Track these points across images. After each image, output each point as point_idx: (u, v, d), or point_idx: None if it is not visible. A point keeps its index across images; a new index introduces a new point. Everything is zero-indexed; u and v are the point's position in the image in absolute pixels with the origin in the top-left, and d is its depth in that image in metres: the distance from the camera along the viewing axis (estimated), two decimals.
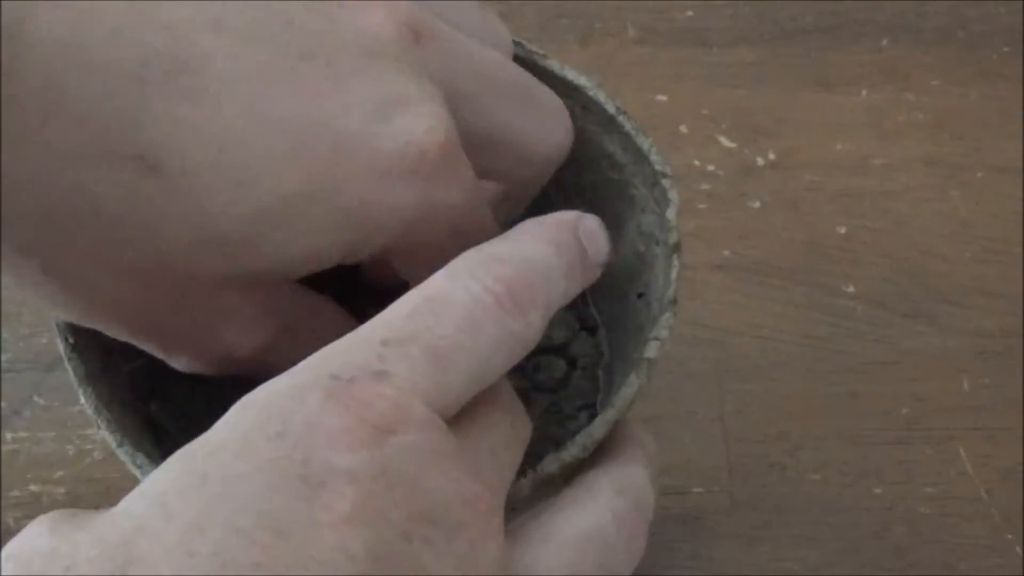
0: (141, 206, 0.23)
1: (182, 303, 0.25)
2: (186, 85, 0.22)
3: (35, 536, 0.20)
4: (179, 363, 0.27)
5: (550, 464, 0.26)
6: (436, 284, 0.23)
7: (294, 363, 0.28)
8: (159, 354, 0.27)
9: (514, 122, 0.28)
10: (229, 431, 0.20)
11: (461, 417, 0.23)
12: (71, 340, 0.28)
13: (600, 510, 0.24)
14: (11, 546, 0.20)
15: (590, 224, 0.26)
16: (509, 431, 0.24)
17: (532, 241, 0.25)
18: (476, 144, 0.27)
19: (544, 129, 0.29)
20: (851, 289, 0.47)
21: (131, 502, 0.20)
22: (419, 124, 0.24)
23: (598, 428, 0.26)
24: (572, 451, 0.26)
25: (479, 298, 0.23)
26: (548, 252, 0.25)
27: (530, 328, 0.23)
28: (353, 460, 0.20)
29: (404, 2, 0.25)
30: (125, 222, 0.23)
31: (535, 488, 0.25)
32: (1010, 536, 0.42)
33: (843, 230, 0.49)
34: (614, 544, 0.24)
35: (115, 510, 0.20)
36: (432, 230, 0.25)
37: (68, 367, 0.28)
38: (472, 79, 0.27)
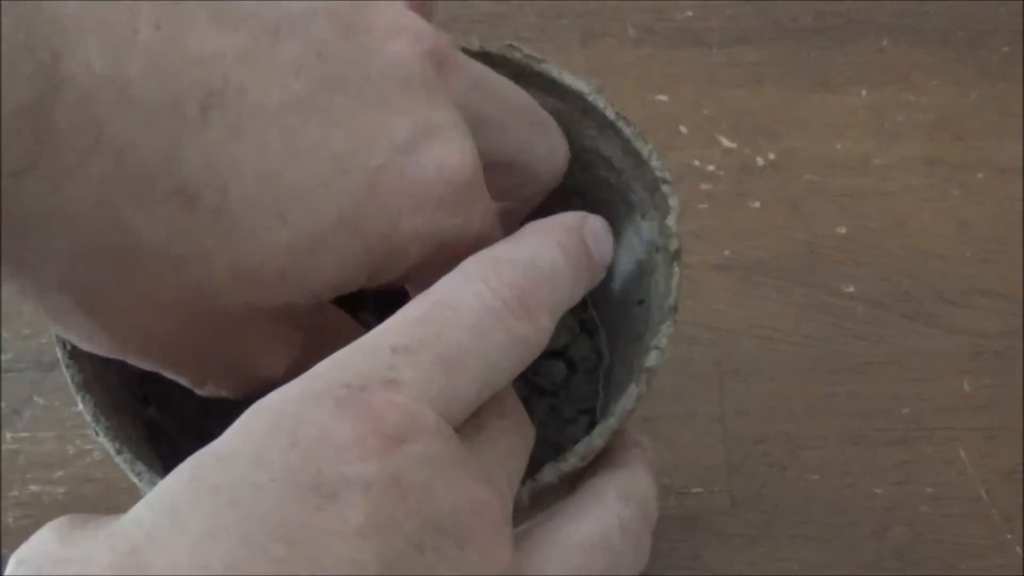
0: (179, 241, 0.23)
1: (215, 335, 0.25)
2: (222, 119, 0.22)
3: (46, 541, 0.20)
4: (206, 390, 0.27)
5: (549, 474, 0.26)
6: (445, 289, 0.23)
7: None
8: (188, 383, 0.27)
9: (527, 146, 0.29)
10: (240, 440, 0.20)
11: (469, 425, 0.23)
12: (69, 347, 0.28)
13: (607, 517, 0.24)
14: (22, 550, 0.20)
15: (595, 225, 0.26)
16: (515, 439, 0.24)
17: (539, 244, 0.25)
18: (491, 167, 0.27)
19: (551, 152, 0.30)
20: (851, 289, 0.47)
21: (142, 510, 0.20)
22: (449, 155, 0.24)
23: (597, 438, 0.26)
24: (571, 461, 0.26)
25: (489, 303, 0.23)
26: (555, 255, 0.25)
27: (539, 332, 0.23)
28: (365, 470, 0.20)
29: (426, 30, 0.25)
30: (162, 257, 0.23)
31: (534, 497, 0.25)
32: (1010, 536, 0.42)
33: (843, 230, 0.49)
34: (620, 551, 0.24)
35: (126, 518, 0.20)
36: (451, 253, 0.25)
37: (66, 374, 0.28)
38: (491, 105, 0.27)
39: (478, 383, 0.22)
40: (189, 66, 0.22)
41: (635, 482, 0.26)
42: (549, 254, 0.25)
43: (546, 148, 0.30)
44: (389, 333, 0.22)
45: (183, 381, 0.27)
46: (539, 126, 0.29)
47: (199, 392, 0.27)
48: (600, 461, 0.26)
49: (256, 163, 0.22)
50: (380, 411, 0.20)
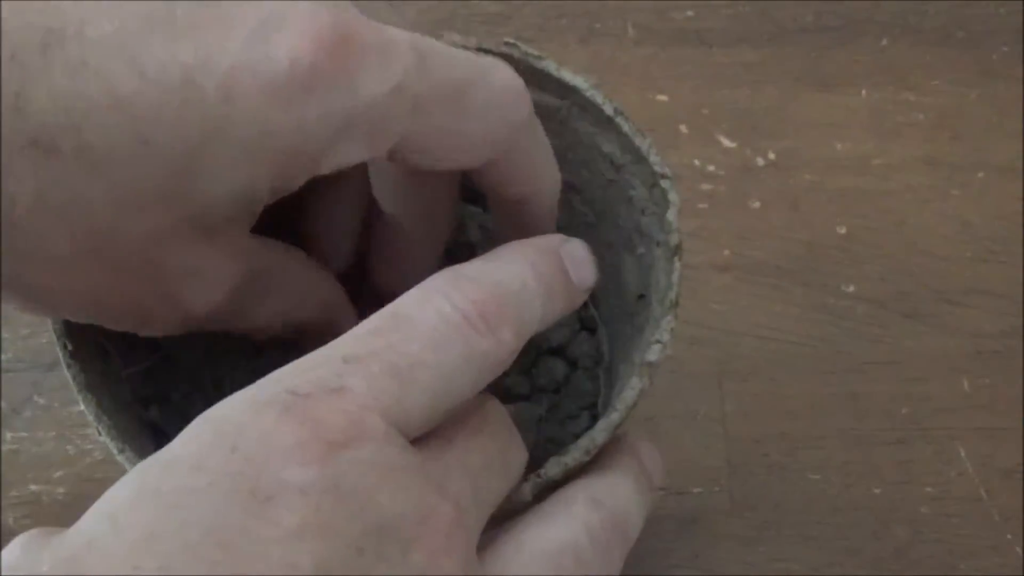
0: (51, 191, 0.22)
1: (130, 272, 0.24)
2: (63, 58, 0.22)
3: (10, 551, 0.20)
4: (143, 331, 0.27)
5: (552, 468, 0.26)
6: (405, 302, 0.23)
7: (266, 317, 0.28)
8: (121, 327, 0.26)
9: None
10: (185, 445, 0.20)
11: (436, 437, 0.23)
12: (70, 347, 0.28)
13: (574, 524, 0.24)
14: None
15: (574, 249, 0.26)
16: (493, 456, 0.24)
17: (509, 263, 0.25)
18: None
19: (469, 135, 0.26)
20: (851, 289, 0.47)
21: (87, 518, 0.20)
22: (298, 36, 0.23)
23: (600, 432, 0.26)
24: (575, 455, 0.26)
25: (447, 316, 0.23)
26: (525, 275, 0.24)
27: (501, 347, 0.23)
28: (304, 475, 0.20)
29: None
30: (42, 212, 0.22)
31: (537, 493, 0.25)
32: (1010, 536, 0.42)
33: (843, 230, 0.49)
34: (586, 560, 0.24)
35: (74, 527, 0.20)
36: (389, 124, 0.24)
37: (68, 374, 0.28)
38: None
39: (432, 394, 0.22)
40: (27, 15, 0.22)
41: (611, 488, 0.25)
42: (518, 273, 0.24)
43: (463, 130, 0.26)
44: (343, 343, 0.22)
45: (111, 326, 0.26)
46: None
47: (140, 334, 0.27)
48: (585, 465, 0.26)
49: (106, 95, 0.22)
50: (323, 417, 0.20)
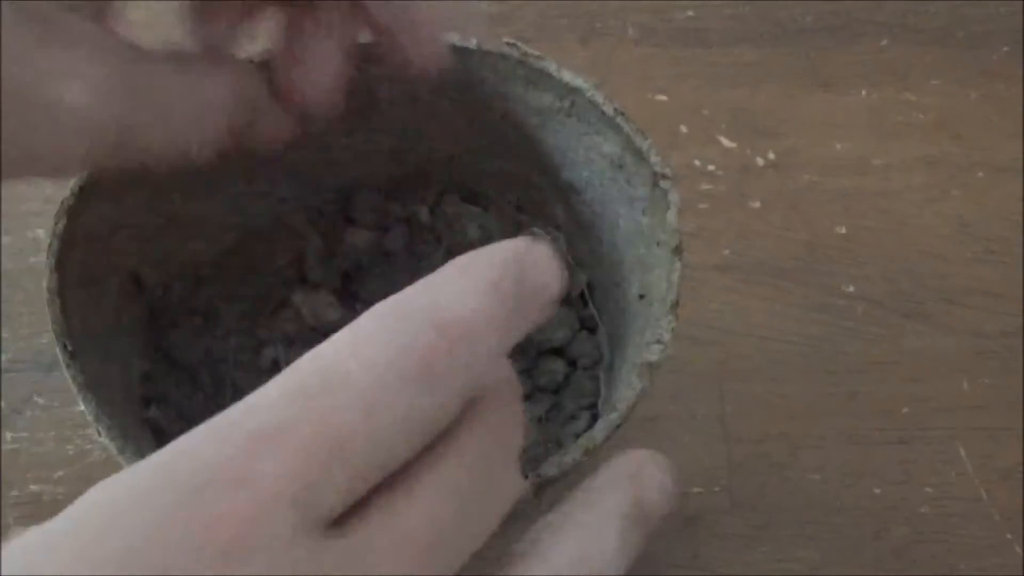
0: None
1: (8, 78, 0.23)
2: None
3: None
4: (38, 165, 0.25)
5: (550, 468, 0.25)
6: (335, 351, 0.20)
7: (178, 126, 0.26)
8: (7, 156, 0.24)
9: None
10: (73, 525, 0.19)
11: (401, 481, 0.20)
12: (70, 347, 0.28)
13: None
14: None
15: (538, 255, 0.22)
16: (475, 489, 0.20)
17: (461, 287, 0.21)
18: None
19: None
20: (851, 289, 0.47)
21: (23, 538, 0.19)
22: None
23: (600, 432, 0.26)
24: (573, 455, 0.26)
25: (383, 371, 0.19)
26: (479, 299, 0.20)
27: (449, 399, 0.20)
28: None
29: None
30: None
31: (537, 491, 0.25)
32: (1010, 536, 0.42)
33: (843, 230, 0.49)
34: None
35: (15, 539, 0.18)
36: None
37: (67, 375, 0.28)
38: None
39: (365, 464, 0.19)
40: None
41: (594, 552, 0.21)
42: (472, 301, 0.20)
43: None
44: (256, 410, 0.19)
45: (16, 167, 0.24)
46: None
47: (48, 174, 0.25)
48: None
49: None
50: (218, 522, 0.18)
